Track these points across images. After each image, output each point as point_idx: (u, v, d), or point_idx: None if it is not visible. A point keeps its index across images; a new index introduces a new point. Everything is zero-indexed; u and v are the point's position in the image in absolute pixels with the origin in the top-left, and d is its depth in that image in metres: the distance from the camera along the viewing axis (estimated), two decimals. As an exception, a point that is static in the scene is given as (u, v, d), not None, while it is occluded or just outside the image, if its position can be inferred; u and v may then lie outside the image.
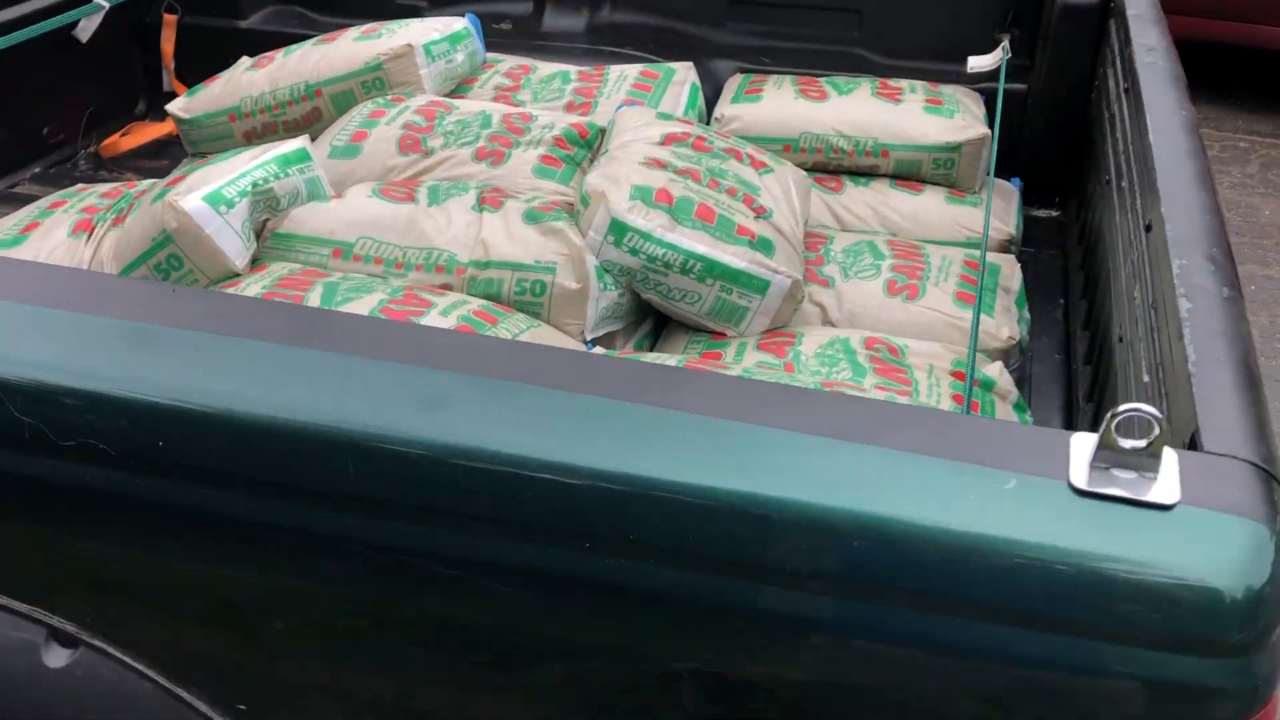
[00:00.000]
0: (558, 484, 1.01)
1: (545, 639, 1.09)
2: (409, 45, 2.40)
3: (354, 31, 2.50)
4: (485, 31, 2.90)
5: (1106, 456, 0.98)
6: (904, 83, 2.61)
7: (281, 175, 1.86)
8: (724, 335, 1.92)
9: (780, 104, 2.54)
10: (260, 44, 2.72)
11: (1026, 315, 2.15)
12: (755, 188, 2.04)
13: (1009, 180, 2.63)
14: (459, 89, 2.60)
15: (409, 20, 2.57)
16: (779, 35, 2.88)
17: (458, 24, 2.62)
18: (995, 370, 1.89)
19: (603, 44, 2.87)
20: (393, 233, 1.83)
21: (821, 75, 2.69)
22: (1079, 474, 0.97)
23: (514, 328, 1.63)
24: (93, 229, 1.88)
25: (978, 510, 0.97)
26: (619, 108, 2.38)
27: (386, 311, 1.57)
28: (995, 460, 1.00)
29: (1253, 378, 1.12)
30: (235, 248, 1.75)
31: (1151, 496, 0.95)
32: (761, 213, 1.98)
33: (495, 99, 2.54)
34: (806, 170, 2.52)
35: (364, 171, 2.18)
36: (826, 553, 0.98)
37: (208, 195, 1.73)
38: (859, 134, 2.46)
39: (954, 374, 1.84)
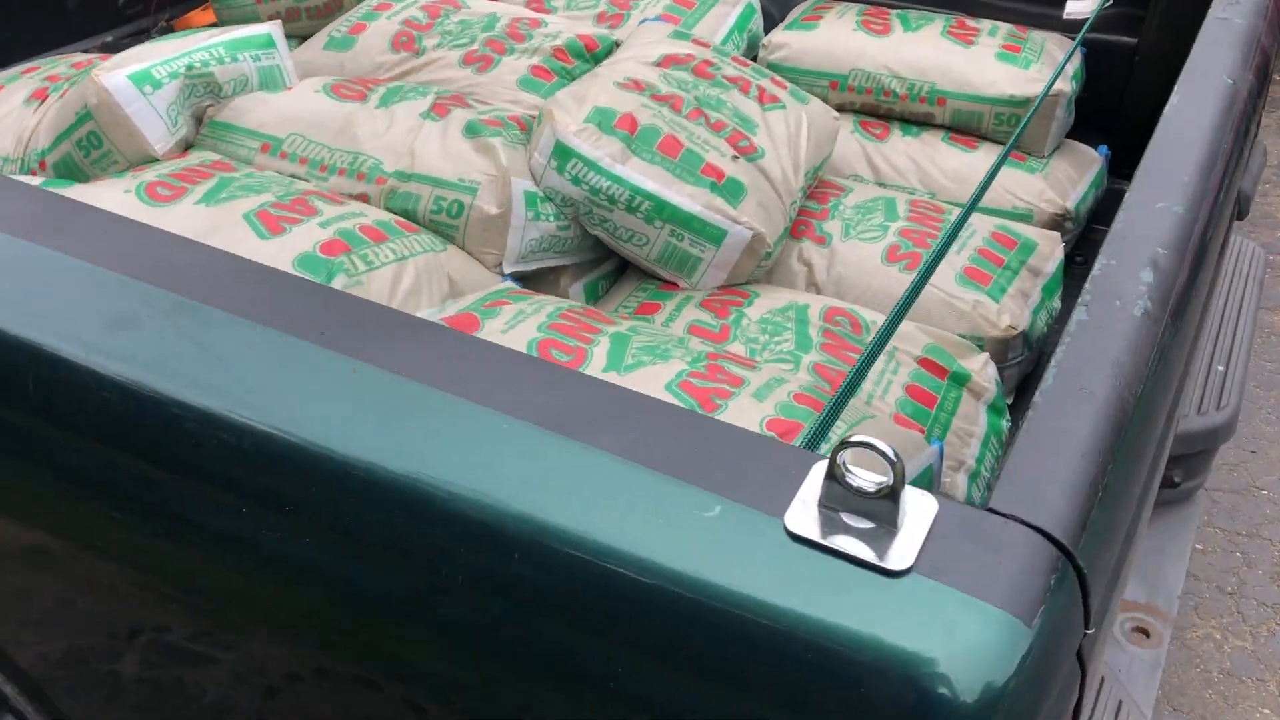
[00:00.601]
0: (208, 423, 0.88)
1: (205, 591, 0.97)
2: (432, -64, 2.25)
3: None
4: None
5: (842, 497, 0.77)
6: (985, 23, 2.29)
7: (228, 60, 1.75)
8: (675, 286, 1.73)
9: (835, 35, 2.27)
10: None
11: (1055, 304, 1.86)
12: (752, 124, 1.82)
13: (1096, 148, 2.30)
14: (499, -12, 2.45)
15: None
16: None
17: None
18: (977, 363, 1.63)
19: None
20: (326, 132, 1.70)
21: (899, 7, 2.40)
22: (796, 514, 0.77)
23: (405, 249, 1.49)
24: (46, 98, 1.83)
25: (659, 534, 0.77)
26: (642, 21, 2.18)
27: (263, 215, 1.45)
28: (712, 479, 0.80)
29: (1117, 422, 0.87)
30: (157, 131, 1.66)
31: (874, 557, 0.74)
32: (748, 152, 1.76)
33: (528, 3, 2.37)
34: (854, 112, 2.26)
35: (353, 66, 2.06)
36: (472, 551, 0.81)
37: (134, 73, 1.65)
38: (915, 76, 2.18)
39: (922, 361, 1.60)
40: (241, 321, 0.92)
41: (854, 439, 0.74)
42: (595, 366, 1.26)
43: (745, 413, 1.21)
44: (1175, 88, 1.38)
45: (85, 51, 2.87)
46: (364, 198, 1.64)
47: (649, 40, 1.98)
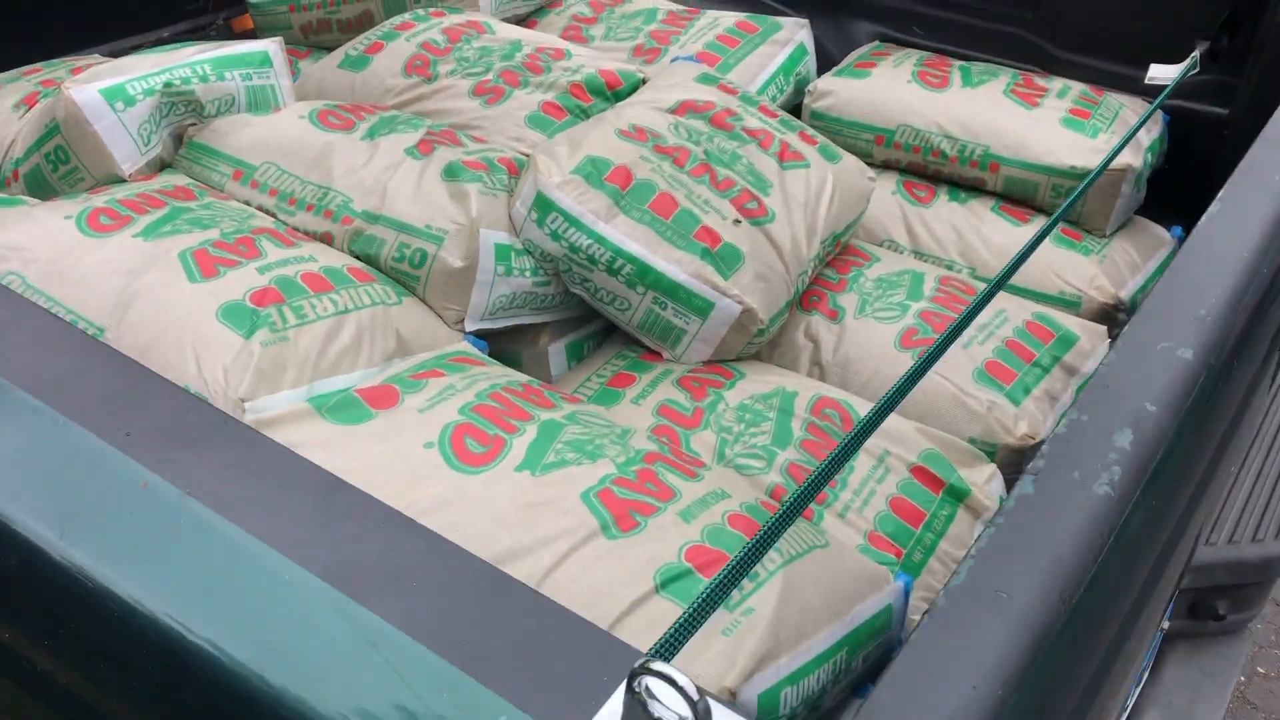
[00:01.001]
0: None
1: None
2: (468, -44, 2.15)
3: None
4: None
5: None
6: (1056, 83, 2.09)
7: (213, 78, 1.66)
8: (658, 356, 1.58)
9: (885, 85, 2.10)
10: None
11: None
12: (766, 184, 1.66)
13: (1169, 229, 2.08)
14: (539, 13, 2.33)
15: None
16: (940, 2, 2.40)
17: (556, -63, 2.33)
18: (980, 476, 1.45)
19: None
20: (301, 163, 1.60)
21: (963, 59, 2.21)
22: (585, 744, 0.62)
23: (350, 301, 1.37)
24: (35, 104, 1.77)
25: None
26: (674, 59, 2.04)
27: (200, 254, 1.35)
28: (508, 677, 0.66)
29: (1034, 640, 0.70)
30: (126, 150, 1.58)
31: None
32: (755, 215, 1.60)
33: (565, 30, 2.24)
34: (899, 171, 2.08)
35: (362, 88, 1.96)
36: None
37: (106, 88, 1.57)
38: (967, 137, 1.99)
39: (915, 470, 1.42)
40: (45, 409, 0.81)
41: (653, 665, 0.59)
42: (510, 462, 1.12)
43: (666, 534, 1.06)
44: (1220, 193, 1.19)
45: (138, 48, 2.85)
46: (328, 238, 1.53)
47: (671, 82, 1.84)
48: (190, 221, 1.43)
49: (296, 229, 1.55)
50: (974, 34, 2.35)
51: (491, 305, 1.51)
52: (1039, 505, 0.80)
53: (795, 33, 2.22)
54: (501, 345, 1.64)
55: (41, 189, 1.62)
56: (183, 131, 1.68)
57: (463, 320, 1.49)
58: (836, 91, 2.11)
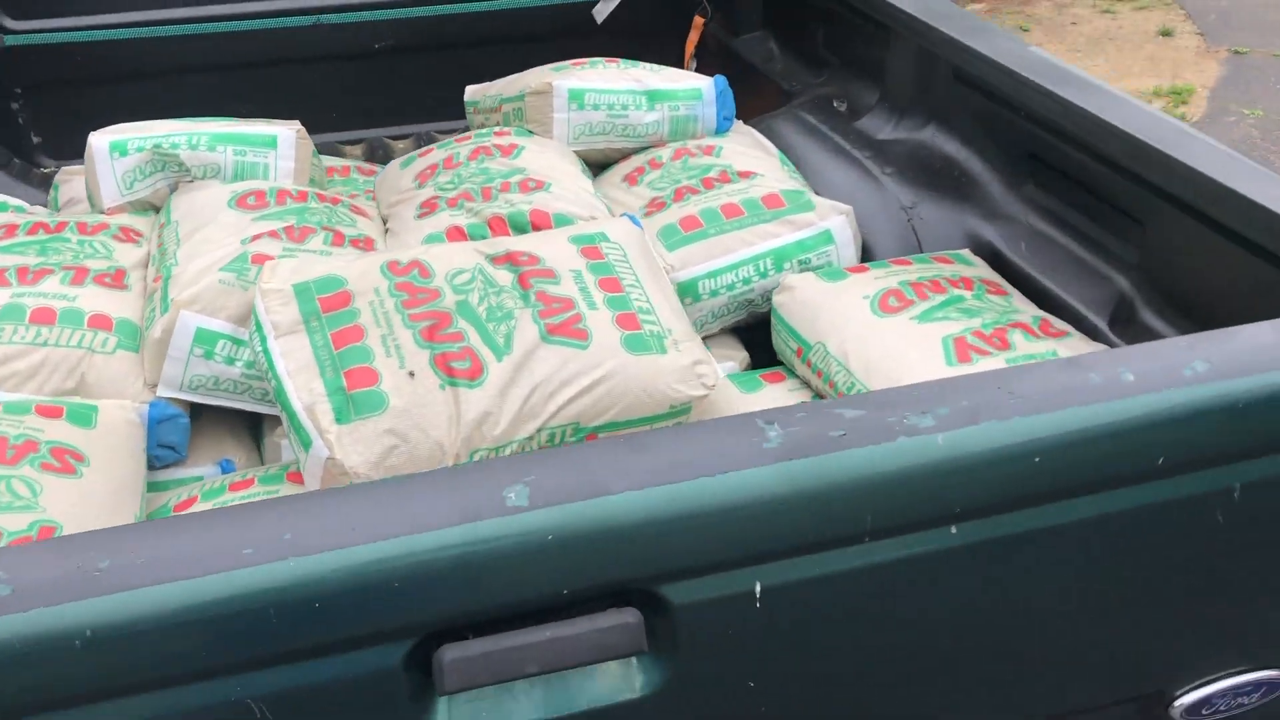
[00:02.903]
0: None
1: None
2: (549, 84, 2.24)
3: (572, 61, 2.38)
4: (820, 111, 2.48)
5: None
6: (1036, 345, 1.59)
7: (203, 148, 2.01)
8: (298, 477, 1.60)
9: (840, 297, 1.79)
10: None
11: None
12: (505, 352, 1.56)
13: None
14: (643, 149, 2.32)
15: (637, 65, 2.35)
16: (1061, 223, 1.91)
17: (691, 82, 2.31)
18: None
19: (891, 164, 2.20)
20: (187, 227, 1.86)
21: (1040, 293, 1.78)
22: None
23: (56, 338, 1.59)
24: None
25: None
26: (625, 215, 1.94)
27: (20, 270, 1.71)
28: None
29: None
30: (109, 192, 1.99)
31: None
32: (459, 375, 1.53)
33: (632, 171, 2.22)
34: (813, 395, 1.77)
35: (388, 185, 2.19)
36: None
37: (114, 140, 1.99)
38: (860, 375, 1.64)
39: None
40: None
41: None
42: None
43: None
44: None
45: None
46: (144, 289, 1.81)
47: (546, 234, 1.80)
48: (49, 249, 1.80)
49: (147, 279, 1.85)
50: (1075, 268, 1.83)
51: (190, 381, 1.67)
52: None
53: (826, 217, 1.95)
54: (258, 428, 1.78)
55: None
56: (176, 184, 2.07)
57: (155, 385, 1.67)
58: (796, 290, 1.83)
